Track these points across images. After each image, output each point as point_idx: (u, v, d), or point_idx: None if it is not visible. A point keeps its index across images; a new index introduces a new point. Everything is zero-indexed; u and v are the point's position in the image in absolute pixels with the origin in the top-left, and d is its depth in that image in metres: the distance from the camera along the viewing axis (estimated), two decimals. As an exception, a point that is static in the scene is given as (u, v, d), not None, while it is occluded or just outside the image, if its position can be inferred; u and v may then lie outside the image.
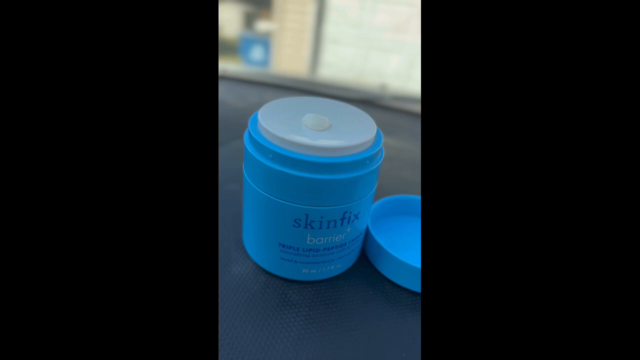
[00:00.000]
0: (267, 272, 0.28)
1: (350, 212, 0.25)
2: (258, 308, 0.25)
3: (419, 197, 0.34)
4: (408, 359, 0.23)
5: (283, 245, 0.25)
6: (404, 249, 0.30)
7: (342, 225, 0.25)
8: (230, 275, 0.27)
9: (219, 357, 0.22)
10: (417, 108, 0.65)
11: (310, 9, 2.38)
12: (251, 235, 0.27)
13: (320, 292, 0.27)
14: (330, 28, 2.43)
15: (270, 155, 0.23)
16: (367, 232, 0.29)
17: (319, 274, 0.27)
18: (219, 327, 0.24)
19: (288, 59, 2.48)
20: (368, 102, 0.68)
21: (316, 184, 0.22)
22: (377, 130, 0.25)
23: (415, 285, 0.27)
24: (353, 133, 0.24)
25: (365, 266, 0.29)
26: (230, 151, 0.44)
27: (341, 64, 2.48)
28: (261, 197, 0.24)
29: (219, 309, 0.25)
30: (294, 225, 0.24)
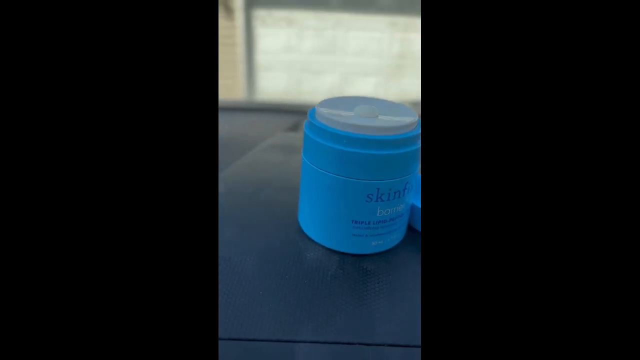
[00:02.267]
0: (337, 252, 0.31)
1: (409, 183, 0.29)
2: (344, 282, 0.28)
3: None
4: None
5: (356, 222, 0.28)
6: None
7: (403, 195, 0.29)
8: (308, 261, 0.30)
9: (338, 333, 0.24)
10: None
11: (239, 41, 2.43)
12: (319, 220, 0.30)
13: (389, 260, 0.30)
14: (261, 57, 2.50)
15: (345, 140, 0.26)
16: (412, 205, 0.33)
17: (385, 244, 0.30)
18: (319, 305, 0.26)
19: (224, 90, 2.50)
20: None
21: (387, 159, 0.26)
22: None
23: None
24: (401, 116, 0.28)
25: (412, 236, 0.33)
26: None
27: (277, 88, 2.55)
28: (334, 179, 0.27)
29: (314, 290, 0.27)
30: (366, 200, 0.28)
